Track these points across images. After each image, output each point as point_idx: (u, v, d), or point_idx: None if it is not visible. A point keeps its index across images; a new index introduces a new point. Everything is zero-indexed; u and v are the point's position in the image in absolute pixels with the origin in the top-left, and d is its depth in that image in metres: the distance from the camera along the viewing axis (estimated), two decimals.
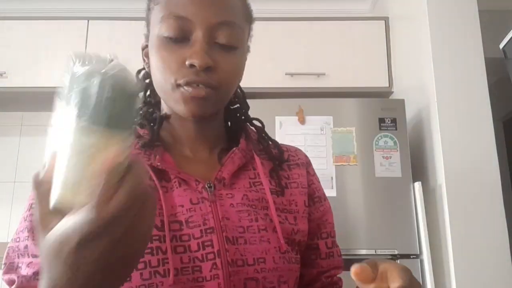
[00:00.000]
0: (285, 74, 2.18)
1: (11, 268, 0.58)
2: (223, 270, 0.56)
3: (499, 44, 1.55)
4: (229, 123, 0.75)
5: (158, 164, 0.61)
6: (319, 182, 0.76)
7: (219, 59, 0.59)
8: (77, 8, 2.48)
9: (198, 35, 0.58)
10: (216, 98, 0.62)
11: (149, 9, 0.65)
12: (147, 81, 0.71)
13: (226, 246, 0.58)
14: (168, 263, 0.55)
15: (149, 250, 0.56)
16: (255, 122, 0.74)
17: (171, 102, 0.62)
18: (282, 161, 0.71)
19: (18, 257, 0.58)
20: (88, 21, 2.26)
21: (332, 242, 0.73)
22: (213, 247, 0.57)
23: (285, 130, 1.81)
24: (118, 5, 2.47)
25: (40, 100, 2.35)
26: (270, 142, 0.73)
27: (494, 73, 2.01)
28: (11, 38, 2.23)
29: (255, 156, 0.68)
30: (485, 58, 1.73)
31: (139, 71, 0.73)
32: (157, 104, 0.72)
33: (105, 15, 2.35)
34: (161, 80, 0.61)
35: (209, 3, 0.58)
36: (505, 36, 1.52)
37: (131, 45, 2.16)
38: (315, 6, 2.50)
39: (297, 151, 0.76)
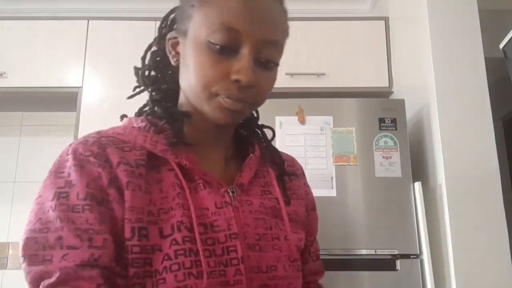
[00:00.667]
0: (285, 74, 2.18)
1: (36, 260, 0.52)
2: (245, 276, 0.57)
3: (499, 44, 1.55)
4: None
5: (187, 163, 0.61)
6: (310, 192, 0.79)
7: (261, 77, 0.60)
8: (77, 8, 2.48)
9: (246, 50, 0.58)
10: (249, 112, 0.65)
11: (192, 5, 0.61)
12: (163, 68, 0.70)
13: (248, 252, 0.59)
14: (200, 265, 0.55)
15: (182, 252, 0.55)
16: (266, 129, 0.75)
17: (205, 107, 0.61)
18: (284, 171, 0.72)
19: (44, 249, 0.52)
20: (88, 21, 2.26)
21: (313, 250, 0.77)
22: (237, 252, 0.58)
23: (285, 130, 1.81)
24: (118, 5, 2.47)
25: (40, 100, 2.36)
26: (274, 151, 0.74)
27: (494, 73, 2.01)
28: (11, 38, 2.23)
29: (270, 165, 0.70)
30: (485, 58, 1.73)
31: (152, 53, 0.70)
32: (173, 96, 0.69)
33: (105, 15, 2.35)
34: (198, 86, 0.59)
35: (262, 19, 0.58)
36: (505, 36, 1.52)
37: (131, 45, 2.18)
38: (315, 6, 2.50)
39: (294, 161, 0.78)
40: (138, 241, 0.54)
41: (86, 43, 2.22)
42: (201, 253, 0.55)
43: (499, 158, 1.65)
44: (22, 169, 2.49)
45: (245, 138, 0.73)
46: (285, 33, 0.64)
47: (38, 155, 2.49)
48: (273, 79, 0.63)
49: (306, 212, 0.74)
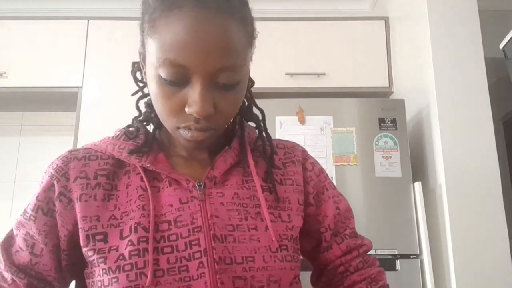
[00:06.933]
0: (285, 74, 2.18)
1: (6, 242, 0.65)
2: (209, 268, 0.56)
3: (499, 44, 1.55)
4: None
5: (148, 165, 0.62)
6: (319, 174, 0.74)
7: (219, 101, 0.57)
8: (77, 8, 2.48)
9: (197, 80, 0.54)
10: (216, 134, 0.61)
11: (143, 32, 0.60)
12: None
13: (213, 244, 0.58)
14: (155, 264, 0.56)
15: (135, 252, 0.56)
16: (254, 117, 0.72)
17: (172, 134, 0.62)
18: (272, 160, 0.70)
19: (10, 240, 0.65)
20: (88, 21, 2.26)
21: (330, 235, 0.72)
22: (200, 245, 0.57)
23: (285, 130, 1.81)
24: (118, 5, 2.47)
25: (40, 100, 2.36)
26: (267, 140, 0.71)
27: (494, 73, 2.01)
28: (11, 38, 2.23)
29: (249, 155, 0.68)
30: (485, 58, 1.73)
31: (137, 66, 0.69)
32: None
33: (105, 15, 2.35)
34: (160, 116, 0.61)
35: (208, 50, 0.53)
36: (505, 36, 1.52)
37: (131, 45, 2.17)
38: (315, 6, 2.50)
39: (293, 147, 0.75)
40: (93, 246, 0.58)
41: (86, 43, 2.22)
42: (150, 253, 0.56)
43: (499, 158, 1.65)
44: (22, 169, 2.48)
45: (232, 130, 0.72)
46: (242, 45, 0.57)
47: (38, 155, 2.49)
48: (238, 96, 0.60)
49: (309, 198, 0.71)
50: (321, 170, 0.75)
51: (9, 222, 2.38)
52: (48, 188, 0.63)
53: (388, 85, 2.20)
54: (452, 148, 1.66)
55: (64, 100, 2.31)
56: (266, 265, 0.59)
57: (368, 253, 0.78)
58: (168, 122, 0.60)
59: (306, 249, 0.75)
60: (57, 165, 0.64)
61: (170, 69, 0.54)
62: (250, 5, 0.62)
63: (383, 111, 1.84)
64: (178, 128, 0.59)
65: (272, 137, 0.74)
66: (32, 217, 0.62)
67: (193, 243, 0.57)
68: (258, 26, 0.68)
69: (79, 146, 2.06)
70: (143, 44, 0.62)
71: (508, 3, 2.36)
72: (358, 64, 2.21)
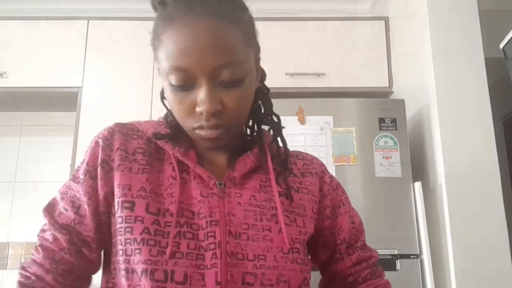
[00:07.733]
0: (285, 74, 2.18)
1: (50, 205, 0.69)
2: (221, 260, 0.60)
3: (499, 44, 1.55)
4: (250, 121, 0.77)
5: (178, 155, 0.67)
6: (336, 189, 0.79)
7: (226, 98, 0.62)
8: (77, 8, 2.48)
9: (201, 81, 0.60)
10: (230, 132, 0.65)
11: (153, 48, 0.66)
12: None
13: (227, 238, 0.62)
14: (175, 246, 0.60)
15: (161, 233, 0.61)
16: (271, 122, 0.76)
17: (190, 135, 0.67)
18: (287, 163, 0.74)
19: (56, 203, 0.69)
20: (88, 21, 2.26)
21: (345, 247, 0.76)
22: (215, 238, 0.62)
23: (285, 130, 1.80)
24: (118, 5, 2.47)
25: (40, 100, 2.36)
26: (282, 148, 0.75)
27: (494, 73, 2.01)
28: (11, 38, 2.23)
29: (269, 161, 0.72)
30: (485, 58, 1.73)
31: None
32: None
33: (105, 15, 2.35)
34: (178, 121, 0.66)
35: (206, 49, 0.59)
36: (505, 36, 1.52)
37: (131, 45, 2.18)
38: (315, 6, 2.50)
39: (313, 160, 0.80)
40: (121, 212, 0.64)
41: (86, 43, 2.22)
42: (171, 234, 0.61)
43: (499, 158, 1.65)
44: (22, 169, 2.48)
45: (252, 135, 0.77)
46: (241, 44, 0.63)
47: (38, 155, 2.49)
48: (243, 92, 0.64)
49: (326, 210, 0.75)
50: (338, 184, 0.80)
51: (9, 222, 2.38)
52: (95, 156, 0.68)
53: (388, 85, 2.20)
54: (452, 148, 1.66)
55: (64, 100, 2.31)
56: (277, 265, 0.62)
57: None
58: (185, 125, 0.65)
59: (321, 259, 0.79)
60: (103, 135, 0.70)
61: (177, 74, 0.61)
62: (249, 7, 0.67)
63: (383, 111, 1.84)
64: (194, 129, 0.64)
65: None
66: (81, 180, 0.67)
67: (209, 234, 0.62)
68: (258, 26, 0.69)
69: (79, 146, 2.07)
70: (156, 60, 0.67)
71: (508, 3, 2.36)
72: (358, 64, 2.21)
